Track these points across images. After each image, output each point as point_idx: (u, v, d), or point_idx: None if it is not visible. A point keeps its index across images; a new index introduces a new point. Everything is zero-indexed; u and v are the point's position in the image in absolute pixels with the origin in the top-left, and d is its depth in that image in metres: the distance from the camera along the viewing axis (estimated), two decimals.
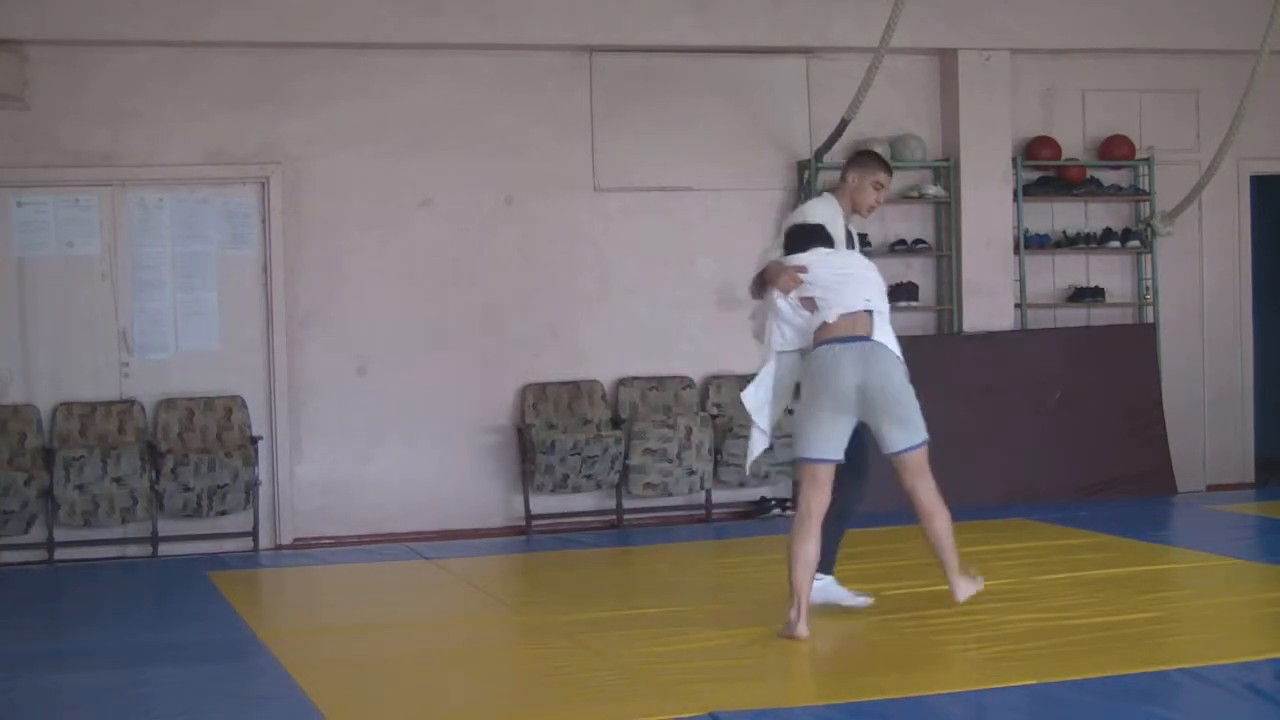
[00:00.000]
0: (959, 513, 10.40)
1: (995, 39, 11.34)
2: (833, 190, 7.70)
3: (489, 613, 8.06)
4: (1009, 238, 11.47)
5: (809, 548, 6.97)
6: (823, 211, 7.47)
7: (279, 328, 10.40)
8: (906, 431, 7.04)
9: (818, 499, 6.99)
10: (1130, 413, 11.52)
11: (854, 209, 7.56)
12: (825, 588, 7.41)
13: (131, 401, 10.20)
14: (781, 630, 7.00)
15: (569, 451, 10.40)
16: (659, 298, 11.03)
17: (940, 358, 11.32)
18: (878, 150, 7.75)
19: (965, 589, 7.32)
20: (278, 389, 10.41)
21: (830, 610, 7.54)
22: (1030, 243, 11.55)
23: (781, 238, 7.47)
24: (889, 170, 7.61)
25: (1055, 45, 11.58)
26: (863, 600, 7.52)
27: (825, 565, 7.36)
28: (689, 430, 10.54)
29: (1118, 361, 11.57)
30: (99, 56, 10.11)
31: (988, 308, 11.37)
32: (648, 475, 10.56)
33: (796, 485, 7.27)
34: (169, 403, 10.25)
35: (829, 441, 6.97)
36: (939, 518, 7.19)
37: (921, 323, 11.49)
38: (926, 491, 7.14)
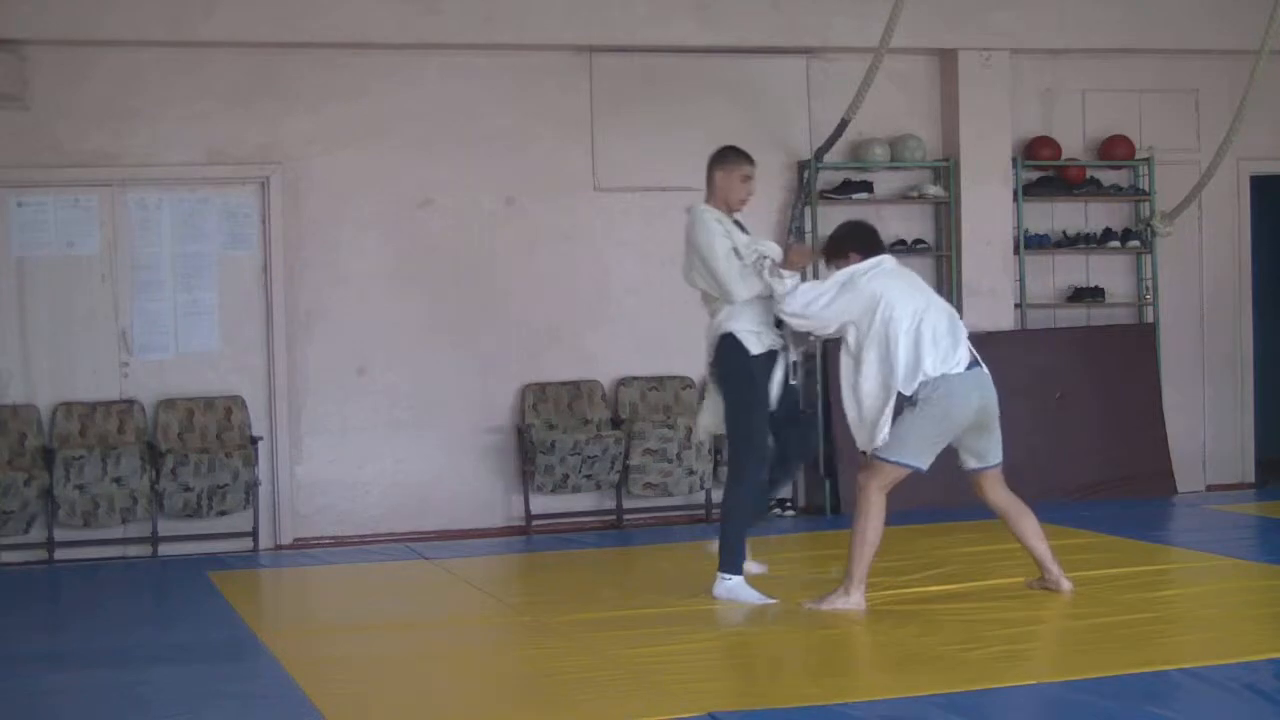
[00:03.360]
0: (959, 513, 10.43)
1: (995, 39, 11.34)
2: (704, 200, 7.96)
3: (489, 613, 8.06)
4: (1009, 238, 11.47)
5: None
6: (716, 223, 7.74)
7: (279, 328, 10.40)
8: None
9: None
10: (1130, 413, 11.52)
11: (728, 208, 7.86)
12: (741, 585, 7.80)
13: (131, 401, 10.20)
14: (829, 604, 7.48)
15: (569, 451, 10.40)
16: (659, 298, 11.01)
17: None
18: (737, 147, 8.13)
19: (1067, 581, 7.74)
20: (278, 389, 10.41)
21: (823, 611, 7.53)
22: (1030, 243, 11.56)
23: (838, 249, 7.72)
24: (751, 160, 7.90)
25: (1055, 45, 11.58)
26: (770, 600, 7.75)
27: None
28: (689, 430, 10.53)
29: (1118, 361, 11.57)
30: (99, 56, 10.11)
31: (988, 308, 11.37)
32: (648, 475, 10.57)
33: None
34: (169, 403, 10.25)
35: None
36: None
37: None
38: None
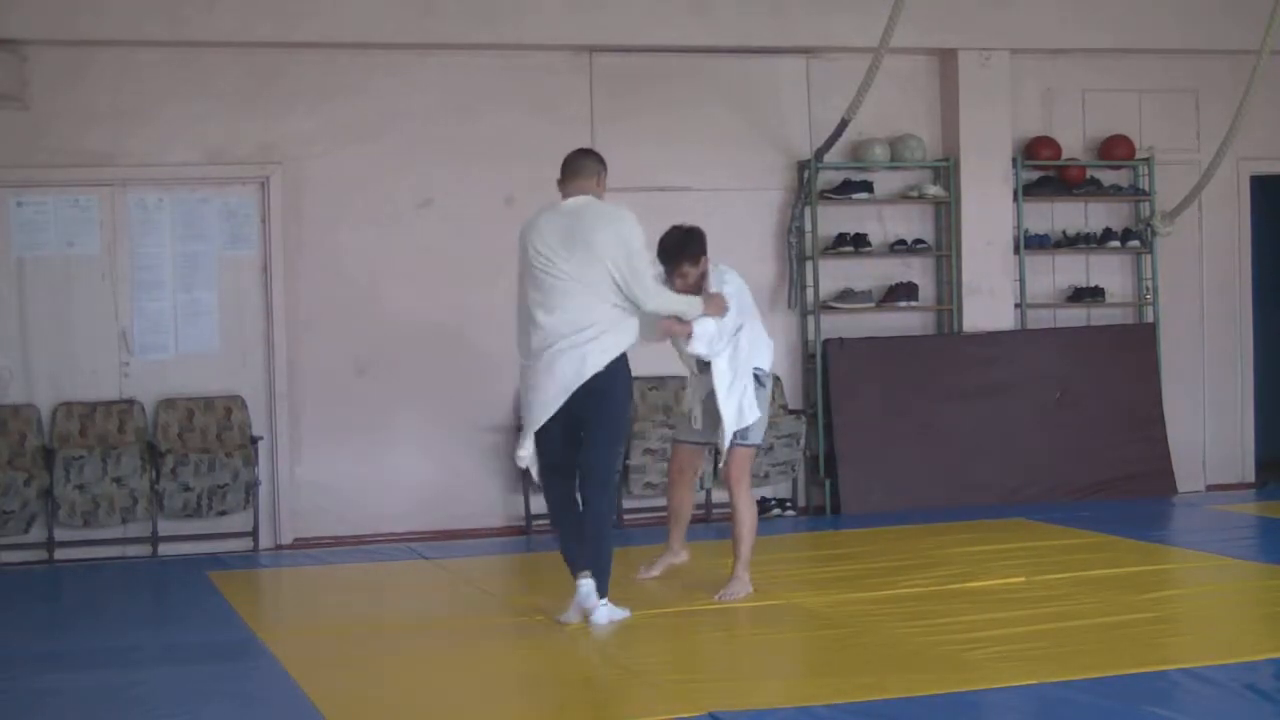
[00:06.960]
0: (959, 513, 10.43)
1: (995, 39, 11.34)
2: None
3: (489, 613, 8.06)
4: (1009, 238, 11.47)
5: None
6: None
7: (279, 328, 10.40)
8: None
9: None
10: (1130, 413, 11.53)
11: None
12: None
13: (131, 401, 10.20)
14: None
15: None
16: None
17: (940, 358, 11.32)
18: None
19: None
20: (278, 389, 10.41)
21: (824, 611, 7.53)
22: (1030, 243, 11.55)
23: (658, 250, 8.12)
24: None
25: (1055, 45, 11.58)
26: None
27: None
28: None
29: (1118, 361, 11.57)
30: (99, 56, 10.11)
31: (988, 308, 11.37)
32: (648, 475, 10.56)
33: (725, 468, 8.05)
34: (169, 403, 10.25)
35: None
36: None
37: (921, 323, 11.49)
38: None
